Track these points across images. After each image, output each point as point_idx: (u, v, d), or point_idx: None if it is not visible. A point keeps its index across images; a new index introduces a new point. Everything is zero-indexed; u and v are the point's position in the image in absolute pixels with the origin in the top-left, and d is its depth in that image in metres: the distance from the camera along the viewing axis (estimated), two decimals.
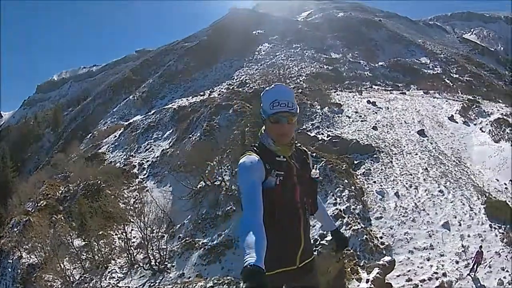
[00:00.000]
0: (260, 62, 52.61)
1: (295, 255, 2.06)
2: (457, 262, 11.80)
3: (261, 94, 2.08)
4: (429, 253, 12.53)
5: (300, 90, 35.26)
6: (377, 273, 12.01)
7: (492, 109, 29.93)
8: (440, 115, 29.52)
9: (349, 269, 12.68)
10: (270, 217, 1.87)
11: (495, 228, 14.02)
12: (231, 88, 43.43)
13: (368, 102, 32.20)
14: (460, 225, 14.33)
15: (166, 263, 18.13)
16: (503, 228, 13.95)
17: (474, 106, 31.18)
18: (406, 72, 53.54)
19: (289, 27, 67.13)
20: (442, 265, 11.56)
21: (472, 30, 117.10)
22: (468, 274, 11.04)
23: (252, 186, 1.83)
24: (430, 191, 17.05)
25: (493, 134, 25.24)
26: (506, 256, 12.35)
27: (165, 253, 18.38)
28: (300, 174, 2.08)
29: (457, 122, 28.05)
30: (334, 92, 36.67)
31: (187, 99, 41.01)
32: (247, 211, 1.74)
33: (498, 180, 19.36)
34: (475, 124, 27.76)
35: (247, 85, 43.16)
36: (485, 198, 16.30)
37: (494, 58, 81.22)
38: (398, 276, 11.56)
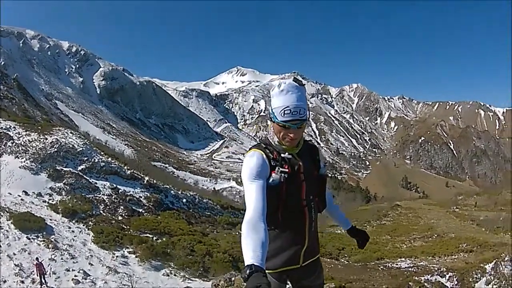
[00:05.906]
0: None
1: (299, 254, 2.01)
2: (23, 282, 10.67)
3: (272, 91, 1.91)
4: None
5: None
6: None
7: None
8: None
9: None
10: (274, 215, 1.84)
11: (33, 238, 13.64)
12: None
13: None
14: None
15: None
16: (41, 236, 13.70)
17: None
18: None
19: None
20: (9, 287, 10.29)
21: None
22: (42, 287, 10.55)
23: (255, 184, 1.78)
24: None
25: None
26: (88, 257, 13.08)
27: None
28: (307, 171, 2.00)
29: None
30: None
31: None
32: (249, 210, 1.70)
33: (11, 194, 18.68)
34: None
35: None
36: (9, 214, 15.28)
37: None
38: None
